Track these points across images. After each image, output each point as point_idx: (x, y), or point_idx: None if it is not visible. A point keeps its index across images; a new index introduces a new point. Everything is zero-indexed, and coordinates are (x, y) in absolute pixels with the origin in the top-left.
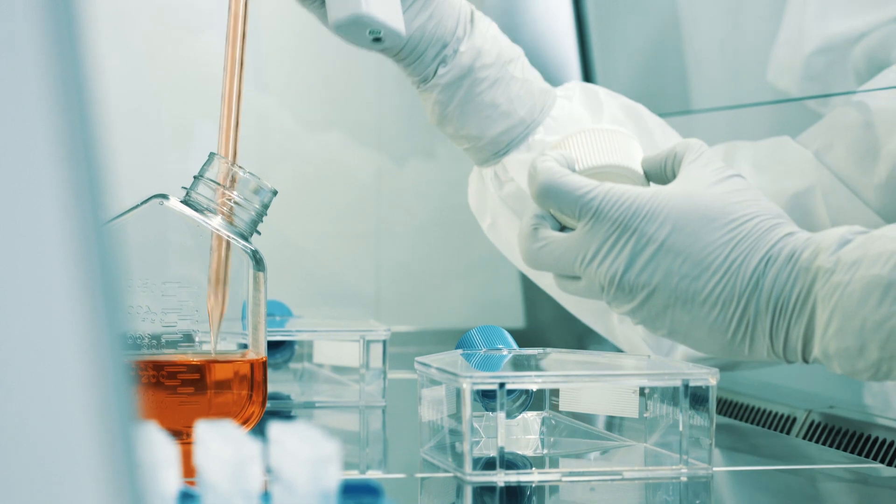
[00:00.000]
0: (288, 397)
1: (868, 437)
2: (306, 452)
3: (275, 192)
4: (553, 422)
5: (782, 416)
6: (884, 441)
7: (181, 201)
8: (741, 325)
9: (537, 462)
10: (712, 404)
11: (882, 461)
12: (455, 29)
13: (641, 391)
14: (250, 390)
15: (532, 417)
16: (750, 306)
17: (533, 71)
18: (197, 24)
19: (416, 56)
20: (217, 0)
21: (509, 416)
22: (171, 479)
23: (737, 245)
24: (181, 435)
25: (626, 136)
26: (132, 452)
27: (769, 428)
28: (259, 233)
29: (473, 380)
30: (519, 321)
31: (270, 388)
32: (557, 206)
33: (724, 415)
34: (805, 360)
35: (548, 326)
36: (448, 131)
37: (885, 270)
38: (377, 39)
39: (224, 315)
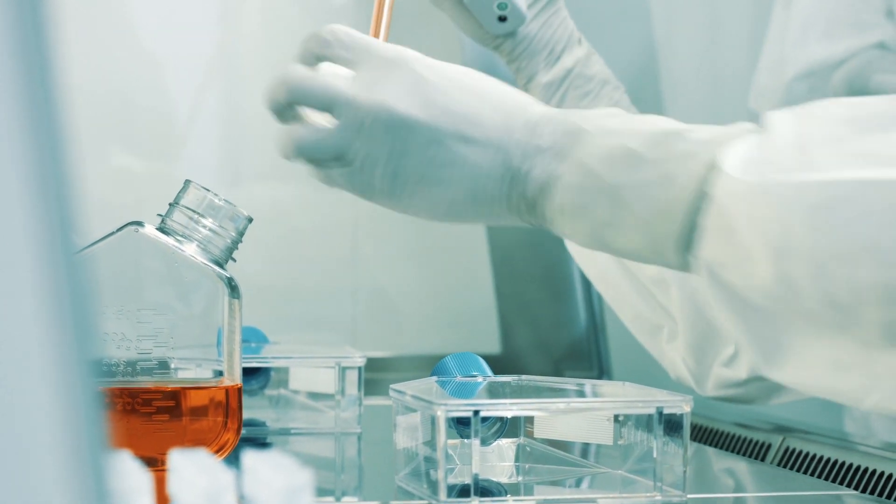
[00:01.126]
0: (264, 424)
1: (843, 464)
2: (280, 481)
3: (250, 220)
4: (528, 449)
5: (757, 442)
6: (863, 469)
7: (156, 228)
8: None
9: (512, 489)
10: (686, 431)
11: (857, 488)
12: (567, 40)
13: (616, 418)
14: (225, 417)
15: (507, 444)
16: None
17: (631, 107)
18: (172, 53)
19: (530, 54)
20: (191, 32)
21: (484, 443)
22: None
23: (497, 113)
24: (156, 462)
25: None
26: (102, 481)
27: (744, 455)
28: (234, 259)
29: (448, 407)
30: (495, 347)
31: (246, 415)
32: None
33: (699, 441)
34: (542, 220)
35: (524, 352)
36: None
37: (633, 142)
38: (502, 19)
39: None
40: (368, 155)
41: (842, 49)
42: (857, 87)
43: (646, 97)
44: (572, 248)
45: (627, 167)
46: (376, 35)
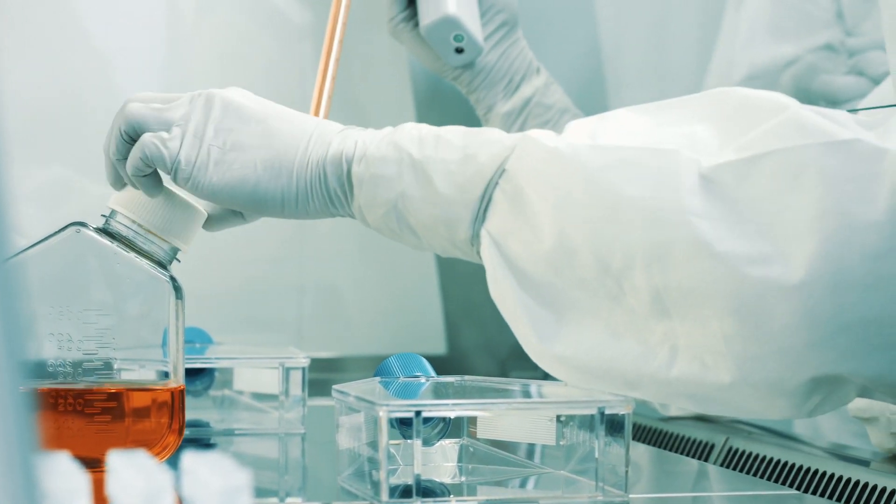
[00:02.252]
0: (207, 424)
1: (787, 465)
2: (219, 482)
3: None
4: (471, 449)
5: (700, 442)
6: (805, 469)
7: (99, 229)
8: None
9: (455, 489)
10: (628, 432)
11: (800, 489)
12: (525, 70)
13: (558, 419)
14: (170, 418)
15: (450, 445)
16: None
17: None
18: (121, 47)
19: (489, 84)
20: (141, 30)
21: (427, 443)
22: None
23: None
24: (99, 464)
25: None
26: (32, 484)
27: (687, 455)
28: (178, 260)
29: (390, 408)
30: (441, 348)
31: (190, 416)
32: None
33: (642, 441)
34: (338, 195)
35: (470, 353)
36: None
37: (445, 133)
38: (459, 51)
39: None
40: (196, 123)
41: (789, 51)
42: (803, 89)
43: (592, 101)
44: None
45: (434, 146)
46: (316, 112)
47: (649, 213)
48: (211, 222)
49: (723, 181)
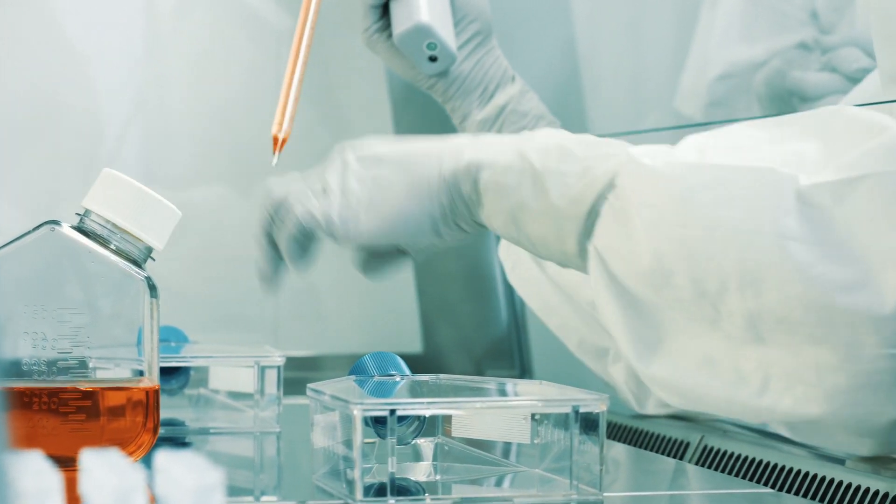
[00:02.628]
0: (183, 423)
1: (762, 463)
2: (193, 480)
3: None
4: (446, 448)
5: (675, 440)
6: (780, 467)
7: (74, 228)
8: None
9: (430, 488)
10: (602, 430)
11: (776, 487)
12: (500, 78)
13: (533, 417)
14: (145, 417)
15: (425, 444)
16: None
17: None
18: (94, 43)
19: (464, 93)
20: (113, 20)
21: (402, 442)
22: None
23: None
24: (73, 462)
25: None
26: (5, 483)
27: (662, 453)
28: (153, 259)
29: (364, 406)
30: (416, 346)
31: (165, 415)
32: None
33: (617, 440)
34: (470, 202)
35: (445, 351)
36: None
37: (568, 142)
38: (433, 59)
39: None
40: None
41: (763, 50)
42: (776, 88)
43: (568, 105)
44: (514, 280)
45: (557, 158)
46: (280, 125)
47: (743, 234)
48: (375, 265)
49: (819, 202)
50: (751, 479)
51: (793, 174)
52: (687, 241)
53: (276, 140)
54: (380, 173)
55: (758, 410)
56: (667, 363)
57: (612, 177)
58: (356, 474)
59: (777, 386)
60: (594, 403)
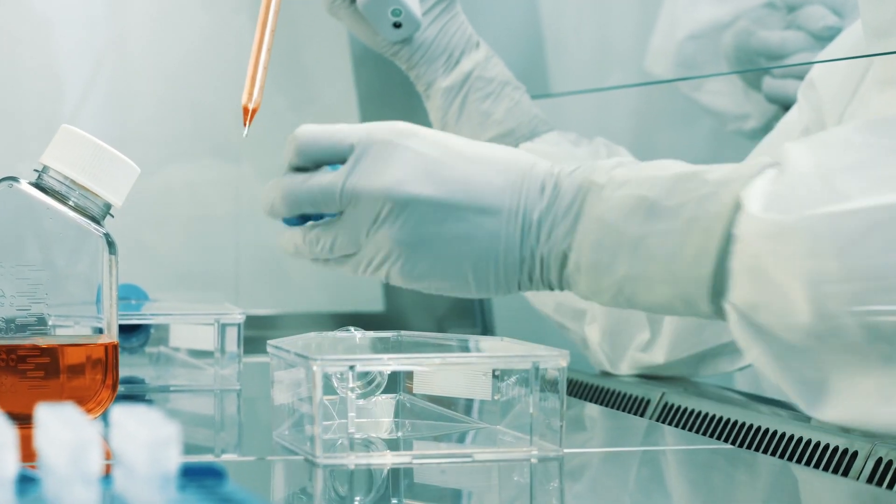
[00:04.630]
0: (143, 381)
1: (722, 419)
2: (147, 435)
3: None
4: (407, 404)
5: (636, 397)
6: (741, 423)
7: (32, 184)
8: (501, 253)
9: (391, 444)
10: (562, 386)
11: (735, 443)
12: (465, 44)
13: (494, 373)
14: (103, 374)
15: (386, 400)
16: (517, 229)
17: (534, 106)
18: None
19: (428, 60)
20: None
21: (362, 398)
22: (9, 463)
23: (506, 178)
24: (31, 420)
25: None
26: None
27: (623, 410)
28: (112, 216)
29: (324, 362)
30: (378, 305)
31: (125, 373)
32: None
33: (578, 397)
34: (560, 283)
35: (407, 310)
36: None
37: (650, 192)
38: (397, 26)
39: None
40: (378, 247)
41: (730, 9)
42: (744, 48)
43: (533, 71)
44: None
45: (646, 217)
46: (250, 93)
47: None
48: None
49: None
50: (711, 436)
51: None
52: (856, 295)
53: (245, 111)
54: (433, 235)
55: None
56: (839, 406)
57: (727, 226)
58: (316, 430)
59: None
60: (554, 360)
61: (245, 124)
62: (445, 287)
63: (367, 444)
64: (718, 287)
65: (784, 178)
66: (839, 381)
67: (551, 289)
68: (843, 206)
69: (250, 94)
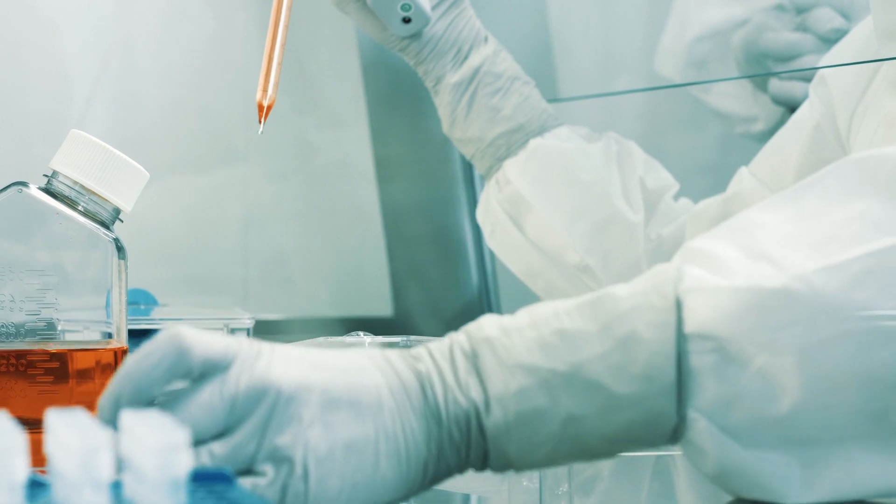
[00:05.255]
0: None
1: None
2: (157, 441)
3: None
4: None
5: None
6: None
7: (41, 189)
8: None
9: None
10: None
11: None
12: (473, 39)
13: None
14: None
15: None
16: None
17: (542, 100)
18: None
19: (437, 55)
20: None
21: None
22: (19, 468)
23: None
24: (41, 424)
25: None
26: None
27: None
28: (122, 220)
29: None
30: (387, 310)
31: None
32: None
33: None
34: (467, 461)
35: (416, 314)
36: (456, 135)
37: (564, 324)
38: (406, 21)
39: None
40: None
41: (740, 11)
42: (753, 50)
43: (540, 66)
44: (494, 245)
45: (573, 347)
46: (265, 89)
47: None
48: None
49: None
50: None
51: None
52: (849, 358)
53: (261, 107)
54: (335, 422)
55: None
56: (834, 483)
57: (673, 330)
58: None
59: None
60: None
61: (260, 121)
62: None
63: None
64: (681, 395)
65: (717, 265)
66: (830, 462)
67: (453, 473)
68: (824, 262)
69: (265, 90)
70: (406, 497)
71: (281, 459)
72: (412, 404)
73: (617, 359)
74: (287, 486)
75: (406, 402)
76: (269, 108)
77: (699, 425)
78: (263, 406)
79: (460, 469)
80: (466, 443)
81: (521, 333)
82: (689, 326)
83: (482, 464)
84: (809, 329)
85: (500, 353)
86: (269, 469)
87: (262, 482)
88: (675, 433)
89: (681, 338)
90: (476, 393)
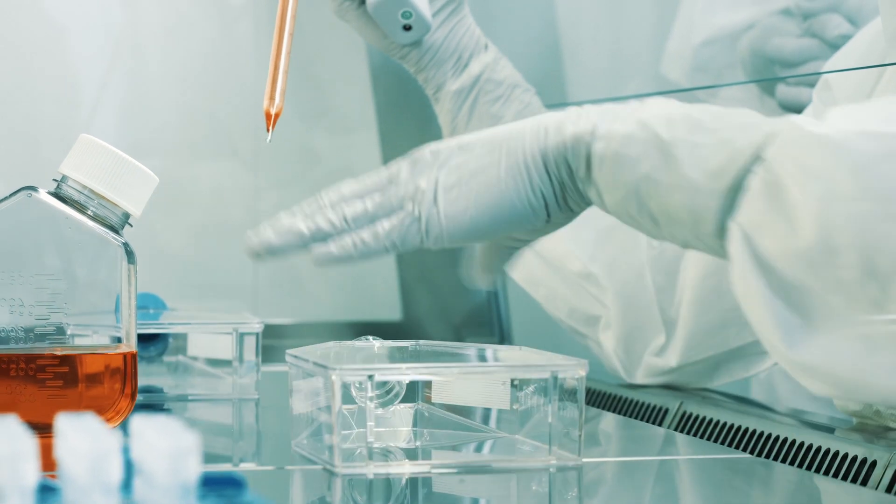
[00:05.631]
0: (161, 390)
1: (741, 429)
2: (167, 445)
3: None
4: (426, 414)
5: (654, 406)
6: (759, 433)
7: (51, 193)
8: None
9: (409, 454)
10: (581, 395)
11: (754, 453)
12: (474, 46)
13: (512, 383)
14: (123, 383)
15: (404, 409)
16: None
17: (542, 108)
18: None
19: (437, 63)
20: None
21: (381, 407)
22: (29, 472)
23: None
24: (50, 429)
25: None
26: None
27: (641, 419)
28: (131, 225)
29: (343, 372)
30: (396, 314)
31: (144, 382)
32: None
33: (596, 406)
34: (577, 172)
35: (424, 318)
36: None
37: (696, 112)
38: (407, 28)
39: None
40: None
41: (746, 16)
42: (760, 54)
43: (547, 74)
44: None
45: (686, 129)
46: (272, 97)
47: None
48: (491, 265)
49: None
50: (730, 445)
51: None
52: (860, 216)
53: (268, 115)
54: (465, 160)
55: None
56: (819, 349)
57: (758, 150)
58: (335, 440)
59: None
60: (573, 369)
61: (268, 129)
62: (486, 214)
63: (386, 454)
64: (729, 204)
65: (822, 115)
66: (824, 325)
67: (562, 186)
68: (867, 127)
69: (272, 98)
70: (528, 218)
71: (418, 193)
72: (537, 134)
73: (706, 153)
74: (422, 213)
75: (531, 134)
76: (276, 116)
77: (735, 238)
78: (411, 158)
79: (573, 185)
80: (576, 165)
81: (664, 105)
82: (766, 153)
83: (582, 189)
84: (829, 180)
85: (618, 110)
86: (408, 203)
87: (401, 213)
88: (720, 240)
89: (755, 159)
90: (587, 124)
